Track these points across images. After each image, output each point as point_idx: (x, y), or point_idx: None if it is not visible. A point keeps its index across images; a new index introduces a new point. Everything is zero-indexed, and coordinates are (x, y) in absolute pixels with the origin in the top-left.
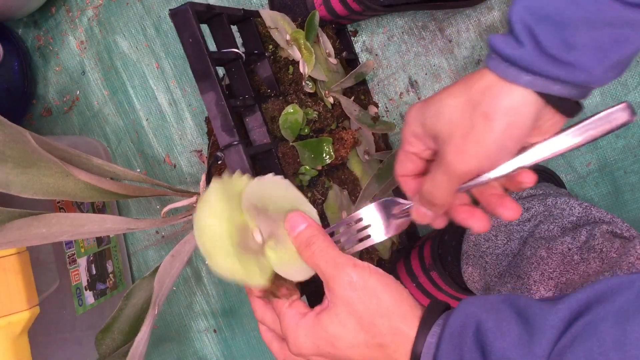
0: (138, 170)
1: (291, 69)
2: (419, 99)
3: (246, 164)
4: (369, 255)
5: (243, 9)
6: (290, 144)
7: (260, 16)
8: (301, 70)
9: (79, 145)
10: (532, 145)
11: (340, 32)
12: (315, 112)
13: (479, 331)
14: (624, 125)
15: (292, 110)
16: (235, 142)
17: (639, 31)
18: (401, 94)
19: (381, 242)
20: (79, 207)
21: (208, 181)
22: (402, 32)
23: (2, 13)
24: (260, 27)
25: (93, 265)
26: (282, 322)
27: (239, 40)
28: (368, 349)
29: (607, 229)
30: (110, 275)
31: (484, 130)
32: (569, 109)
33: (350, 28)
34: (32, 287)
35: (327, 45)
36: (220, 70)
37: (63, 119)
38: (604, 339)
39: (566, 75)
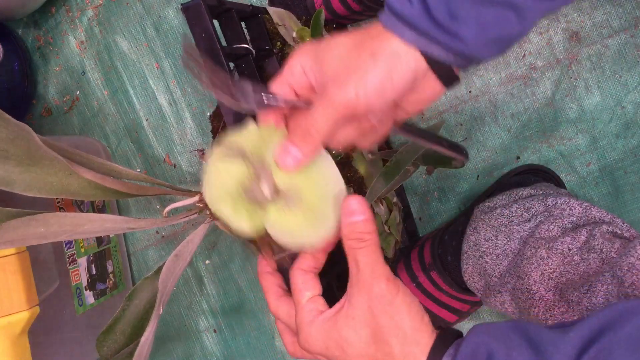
0: (138, 170)
1: None
2: None
3: None
4: None
5: (251, 5)
6: None
7: (267, 13)
8: None
9: (79, 145)
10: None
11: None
12: None
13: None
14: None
15: None
16: None
17: (521, 16)
18: None
19: (384, 239)
20: (78, 206)
21: None
22: None
23: (2, 13)
24: (268, 24)
25: (93, 265)
26: (297, 314)
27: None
28: None
29: (608, 229)
30: (110, 275)
31: (367, 66)
32: (448, 77)
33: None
34: (32, 287)
35: None
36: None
37: (63, 119)
38: (621, 353)
39: (445, 40)
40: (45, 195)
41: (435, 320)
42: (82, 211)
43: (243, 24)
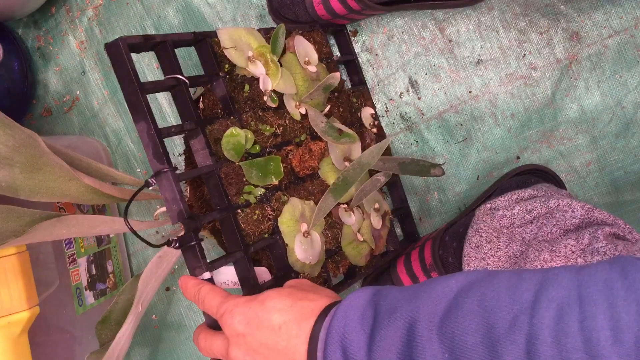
0: (138, 170)
1: (247, 87)
2: (419, 99)
3: (175, 190)
4: (336, 264)
5: (194, 32)
6: (236, 164)
7: (217, 36)
8: (261, 86)
9: (78, 146)
10: None
11: (339, 32)
12: (274, 127)
13: (377, 294)
14: None
15: (235, 133)
16: (165, 170)
17: None
18: (401, 94)
19: (355, 248)
20: (79, 207)
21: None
22: (402, 32)
23: (2, 13)
24: (216, 47)
25: (93, 265)
26: (222, 303)
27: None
28: (291, 308)
29: (610, 231)
30: (110, 275)
31: None
32: None
33: (350, 28)
34: (32, 287)
35: (308, 52)
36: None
37: (63, 119)
38: (499, 284)
39: None
40: (47, 200)
41: None
42: (82, 212)
43: (194, 48)
